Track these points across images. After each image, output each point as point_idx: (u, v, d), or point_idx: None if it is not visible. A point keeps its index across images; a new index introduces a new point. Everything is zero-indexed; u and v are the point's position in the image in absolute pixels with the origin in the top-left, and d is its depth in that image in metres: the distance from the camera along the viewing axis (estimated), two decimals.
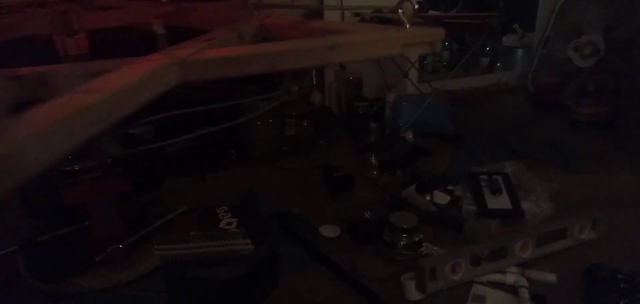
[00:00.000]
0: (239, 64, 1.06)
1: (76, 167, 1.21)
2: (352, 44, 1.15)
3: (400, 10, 1.16)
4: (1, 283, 1.25)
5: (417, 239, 1.33)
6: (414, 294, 1.18)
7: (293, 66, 1.28)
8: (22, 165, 0.59)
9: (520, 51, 3.46)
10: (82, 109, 0.71)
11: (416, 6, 1.19)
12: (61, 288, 1.20)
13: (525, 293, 1.16)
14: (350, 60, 1.64)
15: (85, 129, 0.71)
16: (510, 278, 1.22)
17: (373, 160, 1.82)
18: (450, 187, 1.63)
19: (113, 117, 0.77)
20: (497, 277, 1.23)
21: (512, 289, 1.20)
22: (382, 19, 1.93)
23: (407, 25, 1.16)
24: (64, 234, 1.21)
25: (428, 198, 1.59)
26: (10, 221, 1.37)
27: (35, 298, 1.21)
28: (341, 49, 1.11)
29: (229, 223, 1.26)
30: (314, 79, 2.33)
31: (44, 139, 0.63)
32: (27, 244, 1.21)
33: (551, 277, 1.22)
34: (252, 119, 1.91)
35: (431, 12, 2.30)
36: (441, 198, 1.58)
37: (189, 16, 1.67)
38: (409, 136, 2.05)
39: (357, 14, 2.18)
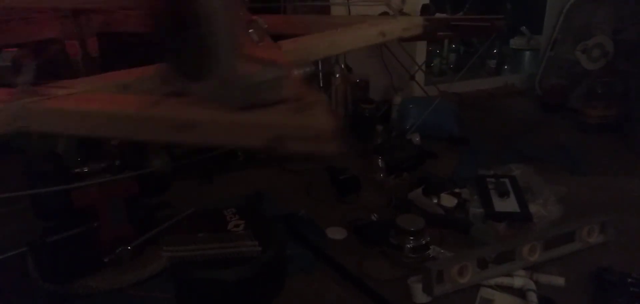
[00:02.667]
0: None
1: (85, 169, 1.22)
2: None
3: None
4: (11, 284, 1.27)
5: (424, 241, 1.33)
6: (421, 297, 1.18)
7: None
8: None
9: (527, 53, 3.44)
10: None
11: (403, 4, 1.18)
12: (70, 288, 1.21)
13: (533, 297, 1.16)
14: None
15: None
16: (518, 282, 1.21)
17: (379, 162, 1.82)
18: (457, 190, 1.63)
19: None
20: (504, 280, 1.22)
21: (520, 293, 1.19)
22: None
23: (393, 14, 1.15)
24: (73, 235, 1.22)
25: (435, 201, 1.59)
26: (20, 222, 1.38)
27: (44, 298, 1.22)
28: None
29: (237, 225, 1.26)
30: (321, 82, 2.33)
31: None
32: (37, 245, 1.22)
33: (559, 280, 1.22)
34: None
35: (438, 15, 2.30)
36: (448, 201, 1.58)
37: None
38: (416, 138, 2.04)
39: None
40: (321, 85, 2.32)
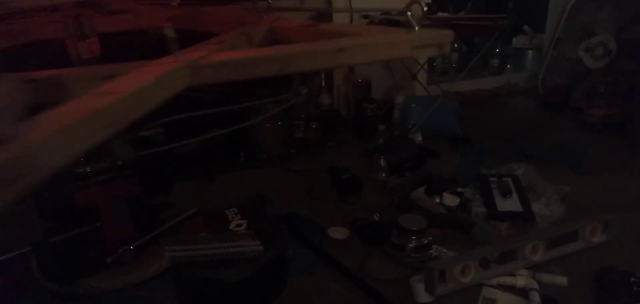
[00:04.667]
0: (248, 67, 1.06)
1: (88, 170, 1.23)
2: (360, 46, 1.15)
3: (409, 13, 1.16)
4: (14, 284, 1.27)
5: (426, 241, 1.33)
6: (423, 296, 1.17)
7: (302, 69, 1.27)
8: (38, 167, 0.60)
9: (530, 53, 3.44)
10: (97, 111, 0.72)
11: (425, 8, 1.18)
12: (73, 288, 1.22)
13: (536, 296, 1.15)
14: (359, 62, 1.63)
15: (100, 132, 0.72)
16: (520, 281, 1.21)
17: (381, 162, 1.82)
18: (459, 190, 1.62)
19: (126, 120, 0.78)
20: (507, 280, 1.22)
21: (523, 292, 1.19)
22: (392, 21, 1.93)
23: (416, 28, 1.15)
24: (75, 235, 1.22)
25: (437, 200, 1.59)
26: (23, 222, 1.39)
27: (47, 298, 1.23)
28: (349, 51, 1.10)
29: (239, 225, 1.26)
30: (323, 82, 2.33)
31: (59, 142, 0.64)
32: (40, 245, 1.23)
33: (562, 280, 1.21)
34: (261, 121, 1.92)
35: (440, 14, 2.30)
36: (450, 200, 1.58)
37: (199, 20, 1.68)
38: (418, 138, 2.04)
39: (366, 17, 2.17)
40: (323, 85, 2.32)
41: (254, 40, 1.35)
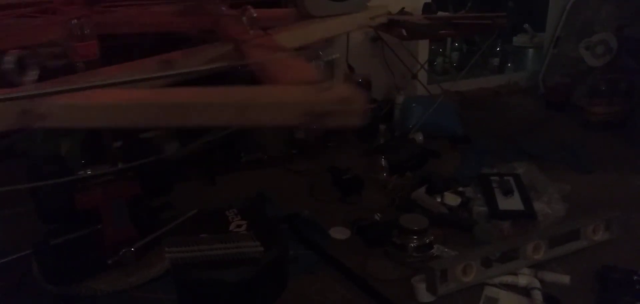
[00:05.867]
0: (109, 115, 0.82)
1: (88, 172, 1.23)
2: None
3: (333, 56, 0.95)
4: (15, 286, 1.27)
5: (427, 241, 1.33)
6: (424, 296, 1.17)
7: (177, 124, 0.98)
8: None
9: (530, 51, 3.42)
10: None
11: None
12: (73, 290, 1.22)
13: (538, 295, 1.15)
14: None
15: None
16: (522, 280, 1.21)
17: (382, 162, 1.82)
18: (460, 189, 1.62)
19: None
20: (509, 279, 1.22)
21: (525, 291, 1.19)
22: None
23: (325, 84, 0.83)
24: (76, 237, 1.22)
25: (438, 200, 1.58)
26: (23, 225, 1.39)
27: (48, 300, 1.23)
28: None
29: (239, 226, 1.26)
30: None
31: None
32: (41, 247, 1.23)
33: (564, 278, 1.21)
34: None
35: (440, 13, 2.29)
36: (452, 200, 1.57)
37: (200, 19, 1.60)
38: (419, 137, 2.04)
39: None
40: None
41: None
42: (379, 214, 1.52)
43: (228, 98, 0.84)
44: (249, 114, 0.83)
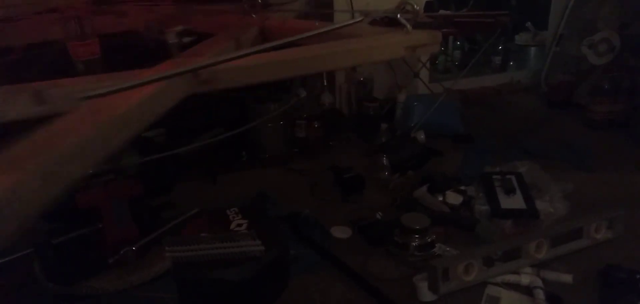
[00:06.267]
0: (255, 72, 1.06)
1: (89, 171, 1.22)
2: (369, 48, 1.18)
3: (398, 15, 1.18)
4: (17, 285, 1.27)
5: (429, 240, 1.32)
6: (426, 295, 1.17)
7: (316, 71, 1.33)
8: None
9: (533, 49, 3.42)
10: (111, 118, 0.72)
11: (417, 7, 1.20)
12: (75, 289, 1.22)
13: (540, 294, 1.14)
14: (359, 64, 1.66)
15: (114, 139, 0.72)
16: (524, 279, 1.20)
17: (384, 161, 1.81)
18: (462, 188, 1.61)
19: (136, 128, 0.78)
20: (511, 278, 1.21)
21: (527, 290, 1.18)
22: (391, 20, 1.92)
23: (410, 28, 1.17)
24: (77, 236, 1.22)
25: (440, 199, 1.58)
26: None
27: (49, 299, 1.23)
28: (358, 53, 1.18)
29: (240, 225, 1.26)
30: (325, 81, 2.33)
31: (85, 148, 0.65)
32: (42, 246, 1.23)
33: (567, 278, 1.20)
34: (263, 121, 1.92)
35: (442, 12, 2.29)
36: (453, 198, 1.57)
37: (189, 20, 1.66)
38: (420, 136, 2.03)
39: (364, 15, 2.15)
40: (325, 84, 2.32)
41: (243, 43, 1.33)
42: (380, 213, 1.52)
43: (352, 45, 1.18)
44: (364, 56, 1.22)
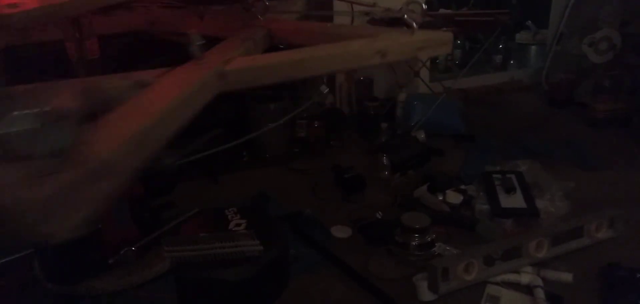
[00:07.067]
0: (289, 69, 1.08)
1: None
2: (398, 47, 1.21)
3: (405, 16, 1.17)
4: (17, 285, 1.27)
5: (429, 239, 1.32)
6: (426, 295, 1.17)
7: (341, 69, 1.37)
8: (120, 170, 0.64)
9: (533, 48, 3.41)
10: (158, 115, 0.74)
11: (425, 6, 1.19)
12: (75, 289, 1.22)
13: (540, 293, 1.14)
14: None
15: (162, 135, 0.75)
16: (525, 278, 1.20)
17: (384, 160, 1.81)
18: (463, 187, 1.61)
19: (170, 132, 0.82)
20: (511, 277, 1.21)
21: (527, 290, 1.18)
22: (393, 19, 1.92)
23: (416, 27, 1.16)
24: (77, 237, 1.22)
25: (441, 198, 1.58)
26: None
27: (50, 299, 1.23)
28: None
29: (238, 224, 1.26)
30: (325, 81, 2.32)
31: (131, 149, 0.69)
32: (42, 247, 1.23)
33: (567, 277, 1.20)
34: (263, 121, 1.92)
35: (442, 11, 2.28)
36: (454, 198, 1.57)
37: (192, 23, 1.67)
38: (421, 135, 2.03)
39: (366, 14, 2.15)
40: (325, 82, 2.31)
41: (258, 44, 1.35)
42: (380, 213, 1.52)
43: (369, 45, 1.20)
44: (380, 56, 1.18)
